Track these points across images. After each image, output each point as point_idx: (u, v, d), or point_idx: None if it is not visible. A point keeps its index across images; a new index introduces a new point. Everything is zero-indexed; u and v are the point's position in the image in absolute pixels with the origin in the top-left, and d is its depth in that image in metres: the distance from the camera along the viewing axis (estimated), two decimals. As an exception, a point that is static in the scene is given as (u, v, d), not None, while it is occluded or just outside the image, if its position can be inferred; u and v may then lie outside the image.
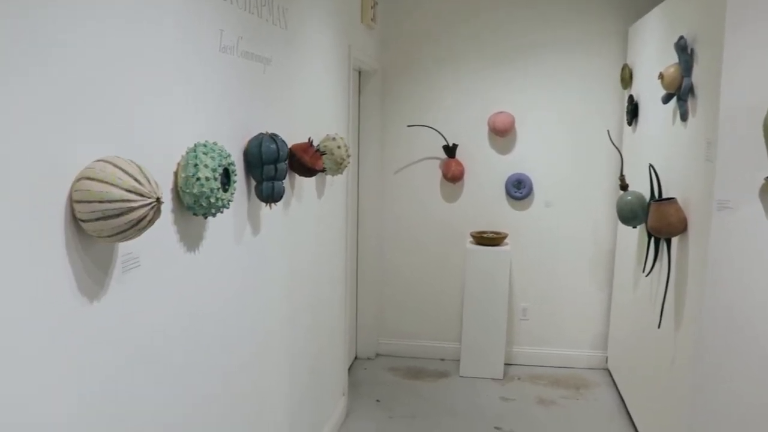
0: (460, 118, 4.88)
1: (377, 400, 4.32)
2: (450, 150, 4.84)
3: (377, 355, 5.15)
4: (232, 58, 2.18)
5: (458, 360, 4.89)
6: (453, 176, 4.82)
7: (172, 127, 1.77)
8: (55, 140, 1.30)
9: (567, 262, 4.92)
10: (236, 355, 2.28)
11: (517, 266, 4.93)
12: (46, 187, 1.28)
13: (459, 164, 4.83)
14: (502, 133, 4.78)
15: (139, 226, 1.35)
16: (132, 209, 1.32)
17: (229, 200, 1.85)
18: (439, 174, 4.95)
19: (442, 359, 5.07)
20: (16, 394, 1.20)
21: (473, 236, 4.79)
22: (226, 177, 1.86)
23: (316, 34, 3.20)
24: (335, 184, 3.61)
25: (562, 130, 4.80)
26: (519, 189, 4.85)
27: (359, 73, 4.70)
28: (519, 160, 4.88)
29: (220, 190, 1.79)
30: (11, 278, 1.19)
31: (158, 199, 1.36)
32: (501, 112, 4.76)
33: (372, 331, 5.09)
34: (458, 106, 4.88)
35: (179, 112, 1.81)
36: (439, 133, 4.84)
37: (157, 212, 1.37)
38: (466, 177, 4.93)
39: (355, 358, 5.07)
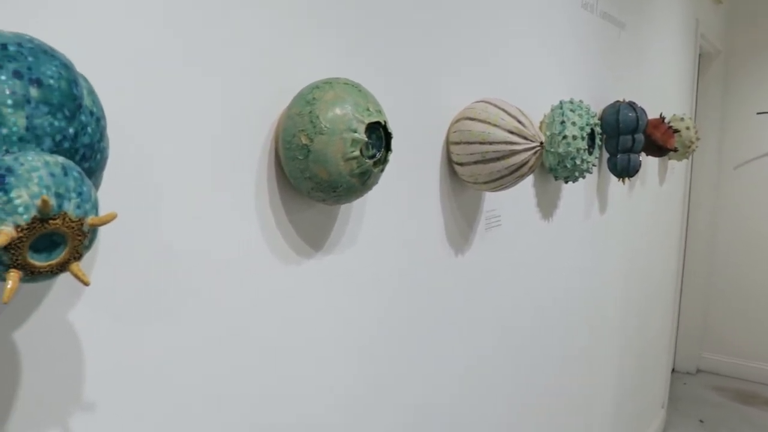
0: (825, 106, 3.97)
1: (700, 421, 3.70)
2: (808, 143, 3.97)
3: (698, 370, 4.45)
4: (592, 17, 1.92)
5: (802, 391, 4.00)
6: (811, 174, 3.94)
7: (535, 82, 1.56)
8: (438, 82, 1.16)
9: None
10: (572, 343, 2.01)
11: None
12: (430, 130, 1.16)
13: (820, 160, 3.94)
14: None
15: (518, 173, 1.16)
16: (514, 152, 1.13)
17: (593, 164, 1.59)
18: (792, 171, 4.10)
19: (781, 387, 4.21)
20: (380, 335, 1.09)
21: (835, 246, 3.87)
22: (591, 139, 1.60)
23: (664, 2, 2.78)
24: (676, 170, 3.13)
25: None
26: None
27: (699, 55, 4.08)
28: None
29: (586, 152, 1.54)
30: (394, 223, 1.08)
31: (541, 144, 1.15)
32: None
33: (694, 342, 4.41)
34: (823, 92, 3.97)
35: (542, 66, 1.60)
36: (796, 122, 4.00)
37: (539, 159, 1.16)
38: (828, 175, 4.01)
39: (672, 370, 4.45)
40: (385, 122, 0.83)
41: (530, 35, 1.52)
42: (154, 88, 0.69)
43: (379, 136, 0.85)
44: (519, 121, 1.14)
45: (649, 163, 2.63)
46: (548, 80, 1.64)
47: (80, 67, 0.63)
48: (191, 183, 0.74)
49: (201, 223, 0.76)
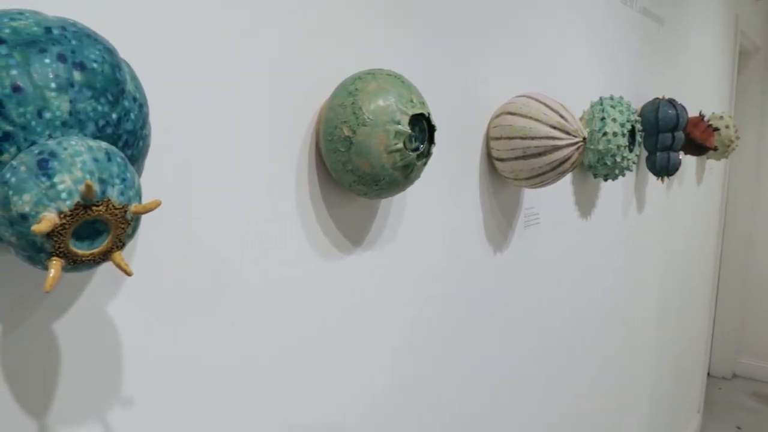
0: None
1: (738, 427, 3.60)
2: None
3: (734, 375, 4.33)
4: (631, 12, 1.86)
5: (844, 398, 3.86)
6: None
7: (573, 77, 1.52)
8: (477, 77, 1.13)
9: None
10: (608, 343, 1.96)
11: None
12: (469, 125, 1.13)
13: None
14: None
15: (560, 169, 1.12)
16: (557, 148, 1.09)
17: (633, 162, 1.54)
18: (833, 172, 3.97)
19: (821, 394, 4.07)
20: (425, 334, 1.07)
21: None
22: (631, 136, 1.55)
23: (704, -1, 2.70)
24: (714, 170, 3.05)
25: None
26: None
27: (738, 52, 3.97)
28: None
29: (627, 149, 1.49)
30: (433, 219, 1.05)
31: (584, 139, 1.11)
32: None
33: (729, 347, 4.29)
34: None
35: (580, 61, 1.55)
36: (839, 122, 3.87)
37: (581, 154, 1.13)
38: None
39: (707, 374, 4.33)
40: (428, 114, 0.81)
41: (569, 30, 1.48)
42: (193, 79, 0.68)
43: (422, 128, 0.82)
44: (561, 116, 1.11)
45: (686, 162, 2.56)
46: (586, 76, 1.60)
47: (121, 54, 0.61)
48: (229, 175, 0.72)
49: (239, 216, 0.74)
